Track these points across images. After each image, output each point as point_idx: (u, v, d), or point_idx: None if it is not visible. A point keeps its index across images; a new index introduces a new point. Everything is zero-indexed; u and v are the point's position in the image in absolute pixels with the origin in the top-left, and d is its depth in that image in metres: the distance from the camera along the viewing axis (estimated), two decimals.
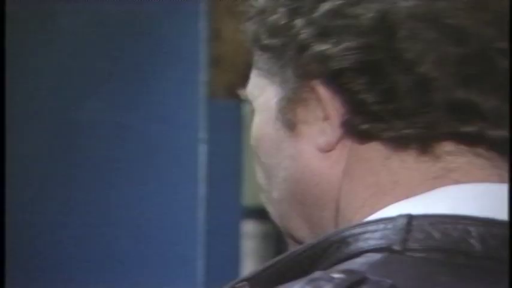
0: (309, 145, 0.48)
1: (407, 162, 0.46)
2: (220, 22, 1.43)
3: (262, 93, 0.51)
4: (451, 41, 0.44)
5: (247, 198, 1.55)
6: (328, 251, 0.45)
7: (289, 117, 0.47)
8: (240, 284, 0.46)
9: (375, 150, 0.46)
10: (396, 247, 0.43)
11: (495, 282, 0.43)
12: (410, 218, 0.44)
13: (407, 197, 0.46)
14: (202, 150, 1.37)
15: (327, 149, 0.47)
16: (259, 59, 0.51)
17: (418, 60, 0.44)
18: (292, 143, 0.48)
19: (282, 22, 0.47)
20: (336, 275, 0.42)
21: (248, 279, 0.46)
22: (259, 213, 1.73)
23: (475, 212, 0.45)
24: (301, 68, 0.46)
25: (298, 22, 0.46)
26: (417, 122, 0.45)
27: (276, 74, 0.49)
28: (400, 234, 0.44)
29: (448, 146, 0.46)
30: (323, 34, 0.46)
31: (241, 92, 0.55)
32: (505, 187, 0.46)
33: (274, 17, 0.48)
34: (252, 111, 0.52)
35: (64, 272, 1.45)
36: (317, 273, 0.42)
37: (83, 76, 1.50)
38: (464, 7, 0.45)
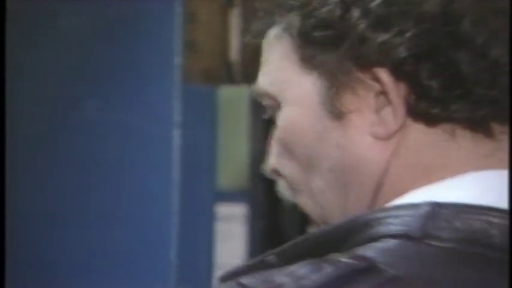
0: (361, 133, 0.47)
1: (463, 143, 0.46)
2: (196, 6, 1.44)
3: (295, 85, 0.49)
4: (508, 26, 0.44)
5: (223, 182, 1.58)
6: (352, 233, 0.44)
7: (337, 107, 0.47)
8: (270, 257, 0.46)
9: (435, 134, 0.46)
10: (414, 234, 0.43)
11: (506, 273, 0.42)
12: (435, 206, 0.44)
13: (452, 177, 0.44)
14: (177, 134, 1.42)
15: (386, 137, 0.46)
16: (297, 50, 0.49)
17: (487, 45, 0.44)
18: (340, 133, 0.47)
19: (337, 14, 0.46)
20: (344, 259, 0.42)
21: (277, 254, 0.46)
22: (234, 196, 2.01)
23: (503, 202, 0.44)
24: (362, 59, 0.46)
25: (355, 13, 0.46)
26: (483, 104, 0.45)
27: (322, 65, 0.47)
28: (420, 222, 0.43)
29: (504, 127, 0.46)
30: (382, 23, 0.45)
31: (252, 88, 0.53)
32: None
33: (326, 8, 0.47)
34: (271, 105, 0.51)
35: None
36: (331, 255, 0.43)
37: (61, 63, 1.47)
38: None
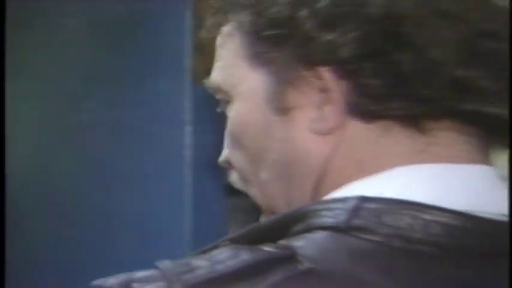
0: (302, 129, 0.49)
1: (399, 139, 0.48)
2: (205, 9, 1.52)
3: (244, 81, 0.51)
4: (450, 26, 0.46)
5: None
6: (292, 224, 0.46)
7: (282, 103, 0.48)
8: (224, 243, 0.48)
9: (372, 130, 0.47)
10: (340, 227, 0.44)
11: (427, 267, 0.43)
12: (361, 200, 0.45)
13: (384, 171, 0.46)
14: (188, 133, 1.44)
15: (326, 133, 0.48)
16: (247, 47, 0.50)
17: (427, 46, 0.46)
18: (284, 127, 0.49)
19: (286, 14, 0.47)
20: (267, 248, 0.44)
21: (230, 240, 0.48)
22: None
23: (430, 195, 0.45)
24: (308, 57, 0.47)
25: (303, 13, 0.47)
26: (420, 102, 0.46)
27: (269, 62, 0.49)
28: (346, 215, 0.44)
29: (442, 123, 0.47)
30: (328, 24, 0.46)
31: (206, 82, 0.55)
32: (486, 168, 0.48)
33: (276, 8, 0.48)
34: (224, 100, 0.53)
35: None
36: (263, 245, 0.44)
37: (73, 67, 1.49)
38: None
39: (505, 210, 0.47)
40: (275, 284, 0.43)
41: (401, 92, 0.47)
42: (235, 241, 0.48)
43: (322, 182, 0.50)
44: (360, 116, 0.48)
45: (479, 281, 0.46)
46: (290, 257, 0.44)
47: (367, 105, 0.47)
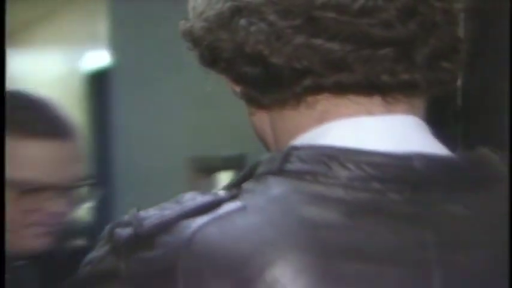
0: (258, 110, 0.65)
1: (300, 112, 0.61)
2: None
3: None
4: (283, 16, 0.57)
5: None
6: (253, 171, 0.60)
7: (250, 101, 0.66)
8: (221, 191, 0.59)
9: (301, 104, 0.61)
10: (275, 170, 0.57)
11: (337, 200, 0.56)
12: (290, 149, 0.58)
13: (303, 133, 0.60)
14: None
15: (254, 114, 0.64)
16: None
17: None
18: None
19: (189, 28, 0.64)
20: (219, 192, 0.58)
21: (226, 186, 0.61)
22: None
23: (355, 141, 0.58)
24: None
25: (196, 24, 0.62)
26: (296, 85, 0.59)
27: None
28: (280, 161, 0.57)
29: (323, 97, 0.59)
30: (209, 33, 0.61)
31: None
32: (367, 118, 0.60)
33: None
34: None
35: None
36: (223, 190, 0.59)
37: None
38: None
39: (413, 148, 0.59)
40: (215, 217, 0.56)
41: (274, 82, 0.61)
42: (226, 188, 0.61)
43: (276, 141, 0.64)
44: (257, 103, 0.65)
45: (411, 203, 0.57)
46: (233, 198, 0.57)
47: (256, 96, 0.63)
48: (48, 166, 1.06)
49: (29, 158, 1.06)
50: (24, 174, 1.04)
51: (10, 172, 1.00)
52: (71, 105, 2.41)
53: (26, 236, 1.05)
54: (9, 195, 1.01)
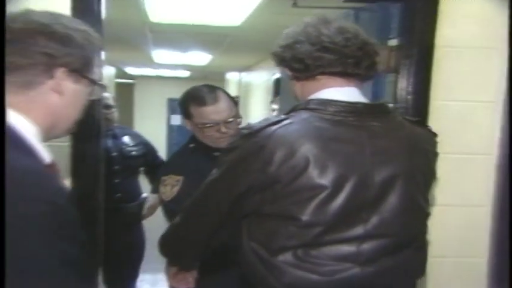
0: None
1: (313, 83, 1.55)
2: None
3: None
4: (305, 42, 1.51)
5: None
6: (298, 107, 1.49)
7: None
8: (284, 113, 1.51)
9: (318, 79, 1.53)
10: (303, 107, 1.48)
11: (328, 119, 1.44)
12: (309, 99, 1.49)
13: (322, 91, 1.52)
14: None
15: (295, 85, 1.58)
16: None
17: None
18: None
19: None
20: (282, 116, 1.46)
21: (285, 114, 1.50)
22: None
23: (339, 96, 1.47)
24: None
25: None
26: (317, 67, 1.52)
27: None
28: (305, 104, 1.48)
29: (324, 77, 1.50)
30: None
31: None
32: (347, 88, 1.52)
33: None
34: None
35: None
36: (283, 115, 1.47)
37: None
38: None
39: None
40: (280, 126, 1.40)
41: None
42: (284, 114, 1.46)
43: (302, 97, 1.54)
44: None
45: (356, 121, 1.45)
46: (287, 118, 1.43)
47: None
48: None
49: (205, 113, 2.18)
50: (203, 120, 2.18)
51: (200, 120, 2.17)
52: None
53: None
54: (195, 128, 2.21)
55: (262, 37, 4.84)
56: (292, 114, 1.44)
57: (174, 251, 1.69)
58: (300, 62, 1.47)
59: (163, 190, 2.17)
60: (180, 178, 2.16)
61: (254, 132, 1.40)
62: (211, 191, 1.49)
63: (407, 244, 1.47)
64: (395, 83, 2.16)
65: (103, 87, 1.28)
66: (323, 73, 1.47)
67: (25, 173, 1.02)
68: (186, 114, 2.21)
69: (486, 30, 2.22)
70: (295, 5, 2.88)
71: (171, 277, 1.99)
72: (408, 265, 1.49)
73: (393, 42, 2.12)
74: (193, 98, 2.18)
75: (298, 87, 1.53)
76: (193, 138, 2.27)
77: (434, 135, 1.58)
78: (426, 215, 1.54)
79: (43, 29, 1.13)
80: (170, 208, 2.14)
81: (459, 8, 2.20)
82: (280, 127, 1.40)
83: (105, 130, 3.08)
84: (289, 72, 1.52)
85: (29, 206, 0.99)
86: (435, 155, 1.56)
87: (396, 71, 2.17)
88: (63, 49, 1.14)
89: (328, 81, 1.48)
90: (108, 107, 3.20)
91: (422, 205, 1.50)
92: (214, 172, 1.49)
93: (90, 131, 2.06)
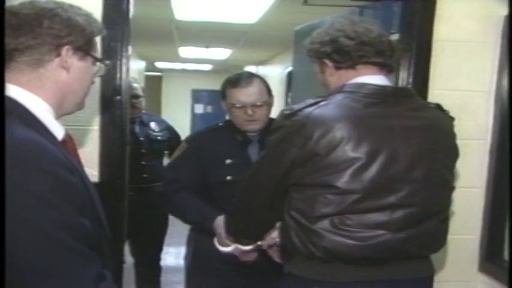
0: None
1: (351, 71, 1.66)
2: None
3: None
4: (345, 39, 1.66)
5: None
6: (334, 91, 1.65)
7: None
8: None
9: (354, 68, 1.65)
10: (338, 91, 1.60)
11: (362, 100, 1.57)
12: (344, 84, 1.61)
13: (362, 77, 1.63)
14: None
15: (332, 74, 1.70)
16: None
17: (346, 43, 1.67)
18: None
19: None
20: (319, 98, 1.58)
21: (321, 97, 1.64)
22: None
23: (372, 81, 1.60)
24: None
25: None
26: (357, 57, 1.63)
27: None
28: (340, 87, 1.61)
29: (360, 66, 1.63)
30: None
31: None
32: (379, 76, 1.64)
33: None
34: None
35: None
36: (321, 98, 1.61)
37: None
38: None
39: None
40: (318, 106, 1.53)
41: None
42: (321, 97, 1.58)
43: (336, 84, 1.64)
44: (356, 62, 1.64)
45: (387, 102, 1.57)
46: (324, 100, 1.56)
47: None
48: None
49: (235, 94, 2.22)
50: (232, 101, 2.23)
51: (230, 101, 2.22)
52: None
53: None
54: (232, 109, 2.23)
55: (276, 33, 4.92)
56: (329, 96, 1.57)
57: (240, 229, 1.81)
58: (345, 53, 1.60)
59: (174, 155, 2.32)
60: (186, 146, 2.26)
61: (295, 112, 1.52)
62: (261, 168, 1.59)
63: (433, 215, 1.57)
64: (397, 73, 2.22)
65: (107, 65, 1.34)
66: (364, 63, 1.60)
67: (22, 142, 1.05)
68: (223, 95, 2.26)
69: (480, 26, 2.29)
70: (305, 2, 2.96)
71: (240, 254, 2.03)
72: (433, 234, 1.58)
73: (395, 36, 2.20)
74: (230, 80, 2.24)
75: (335, 76, 1.65)
76: (228, 121, 2.31)
77: (452, 119, 1.68)
78: (451, 188, 1.64)
79: (47, 12, 1.19)
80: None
81: (455, 6, 2.27)
82: (318, 107, 1.52)
83: (134, 117, 3.19)
84: (329, 63, 1.65)
85: (25, 175, 1.02)
86: (454, 135, 1.65)
87: (397, 63, 2.25)
88: (66, 29, 1.21)
89: (364, 69, 1.61)
90: (136, 96, 3.30)
91: (448, 178, 1.61)
92: (263, 152, 1.61)
93: (117, 116, 2.15)
